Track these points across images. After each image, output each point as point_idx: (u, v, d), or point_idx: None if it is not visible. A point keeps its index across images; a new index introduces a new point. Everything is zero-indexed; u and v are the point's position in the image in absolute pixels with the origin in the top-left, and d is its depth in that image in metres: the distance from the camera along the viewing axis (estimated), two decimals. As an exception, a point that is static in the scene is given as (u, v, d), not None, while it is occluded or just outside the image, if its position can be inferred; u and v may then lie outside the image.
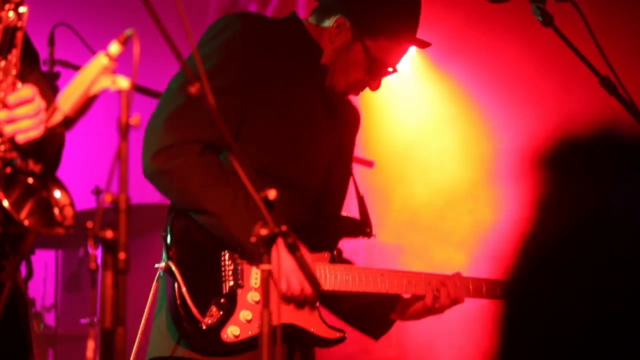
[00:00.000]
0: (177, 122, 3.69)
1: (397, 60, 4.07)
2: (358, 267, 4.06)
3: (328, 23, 4.01)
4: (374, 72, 4.02)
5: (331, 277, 3.93)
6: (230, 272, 3.78)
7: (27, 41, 3.06)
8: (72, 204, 2.84)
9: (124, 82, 2.65)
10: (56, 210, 2.82)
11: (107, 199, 2.59)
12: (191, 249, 3.81)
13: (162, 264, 3.77)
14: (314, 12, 4.10)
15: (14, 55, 2.85)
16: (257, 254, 2.76)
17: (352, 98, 4.25)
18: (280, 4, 7.31)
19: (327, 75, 4.01)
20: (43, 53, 6.07)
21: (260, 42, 3.87)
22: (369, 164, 6.59)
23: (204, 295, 3.75)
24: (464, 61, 6.83)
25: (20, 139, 2.86)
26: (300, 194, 3.92)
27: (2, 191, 2.76)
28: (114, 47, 2.67)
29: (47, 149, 3.03)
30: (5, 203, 2.75)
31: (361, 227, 4.12)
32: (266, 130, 3.86)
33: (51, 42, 5.92)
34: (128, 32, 2.65)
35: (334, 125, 4.09)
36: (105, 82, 2.68)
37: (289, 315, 3.82)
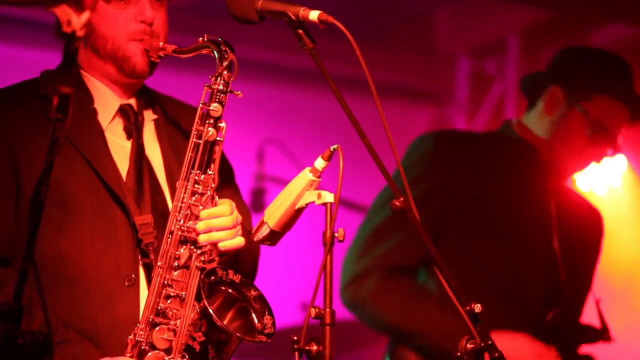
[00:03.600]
0: (366, 250, 3.75)
1: (620, 124, 3.98)
2: None
3: (540, 101, 3.99)
4: (597, 139, 3.94)
5: None
6: None
7: (222, 155, 3.15)
8: (270, 313, 2.86)
9: (329, 197, 2.67)
10: (254, 319, 2.85)
11: (312, 313, 2.59)
12: None
13: None
14: (528, 105, 4.09)
15: (213, 169, 2.93)
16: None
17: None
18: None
19: (546, 174, 3.96)
20: (252, 168, 6.28)
21: (456, 155, 3.89)
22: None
23: None
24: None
25: (223, 248, 2.92)
26: (521, 304, 3.85)
27: (206, 299, 2.81)
28: (320, 162, 2.70)
29: (245, 261, 3.08)
30: (211, 310, 2.80)
31: (600, 333, 4.02)
32: (476, 242, 3.83)
33: (260, 157, 6.11)
34: (333, 147, 2.68)
35: (561, 229, 4.00)
36: (311, 197, 2.71)
37: None
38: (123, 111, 3.08)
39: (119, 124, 3.08)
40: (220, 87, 2.93)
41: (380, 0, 6.50)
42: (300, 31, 2.77)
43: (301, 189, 2.72)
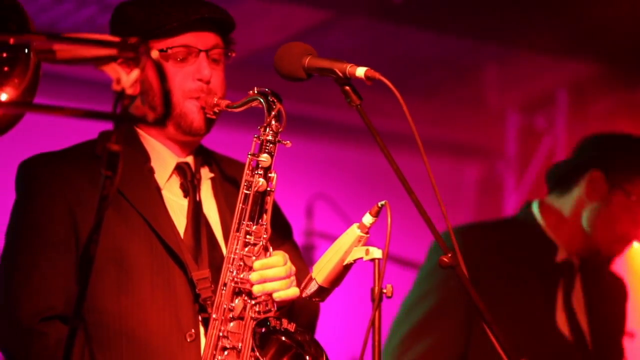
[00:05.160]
0: (403, 351, 3.80)
1: None
2: None
3: (577, 187, 3.97)
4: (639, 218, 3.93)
5: None
6: None
7: (279, 213, 3.14)
8: (327, 359, 2.84)
9: (377, 253, 2.67)
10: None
11: (362, 369, 2.57)
12: None
13: None
14: (553, 188, 4.10)
15: (265, 220, 2.93)
16: None
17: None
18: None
19: (558, 277, 3.98)
20: (302, 224, 6.29)
21: (483, 252, 3.94)
22: (630, 335, 6.30)
23: None
24: None
25: (278, 298, 2.91)
26: None
27: (258, 349, 2.79)
28: (368, 219, 2.70)
29: (301, 315, 3.06)
30: None
31: None
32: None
33: (308, 213, 6.13)
34: (381, 203, 2.68)
35: (589, 305, 4.00)
36: (359, 253, 2.71)
37: None
38: (180, 169, 3.10)
39: (175, 182, 3.10)
40: (269, 137, 2.94)
41: (429, 54, 6.52)
42: (347, 88, 2.78)
43: (349, 245, 2.71)
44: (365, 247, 2.69)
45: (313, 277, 2.77)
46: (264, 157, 2.93)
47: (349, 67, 2.75)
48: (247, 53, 5.53)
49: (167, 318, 2.96)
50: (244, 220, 2.93)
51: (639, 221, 3.97)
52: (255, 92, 2.95)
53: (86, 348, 2.83)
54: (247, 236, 2.93)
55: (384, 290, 2.62)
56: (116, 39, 2.28)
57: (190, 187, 3.09)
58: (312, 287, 2.77)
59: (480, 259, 3.89)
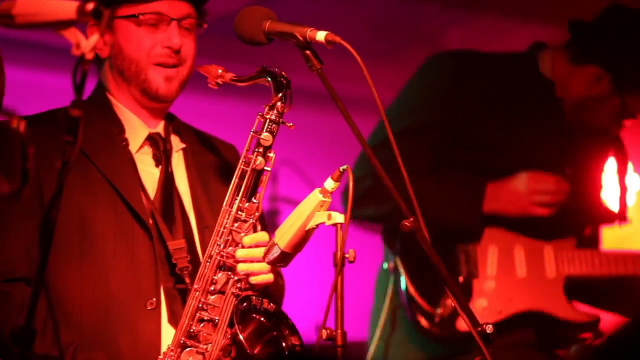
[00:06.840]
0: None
1: None
2: (603, 252, 4.03)
3: (584, 71, 4.00)
4: (620, 125, 4.05)
5: (574, 262, 3.91)
6: (464, 263, 3.81)
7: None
8: (301, 345, 2.85)
9: (339, 218, 2.67)
10: (285, 350, 2.84)
11: (324, 334, 2.58)
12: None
13: (390, 263, 3.85)
14: (569, 46, 4.13)
15: (258, 198, 2.94)
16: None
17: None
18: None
19: (561, 109, 4.06)
20: (266, 190, 6.27)
21: (474, 82, 3.93)
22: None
23: (436, 288, 3.78)
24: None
25: (253, 281, 2.92)
26: None
27: (238, 325, 2.80)
28: (329, 183, 2.70)
29: (272, 297, 3.07)
30: (241, 337, 2.78)
31: (615, 214, 4.10)
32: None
33: (273, 179, 6.13)
34: (343, 168, 2.68)
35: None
36: (321, 218, 2.71)
37: (532, 300, 3.78)
38: (152, 140, 3.11)
39: (147, 152, 3.11)
40: (273, 117, 2.94)
41: (391, 19, 6.51)
42: (307, 52, 2.77)
43: (311, 210, 2.71)
44: (328, 212, 2.69)
45: (275, 242, 2.76)
46: (266, 136, 2.93)
47: (309, 31, 2.75)
48: (209, 18, 5.50)
49: (129, 286, 2.96)
50: (237, 195, 2.94)
51: (619, 126, 4.09)
52: (264, 69, 2.94)
53: (49, 313, 2.83)
54: (239, 212, 2.94)
55: (346, 255, 2.62)
56: (75, 3, 2.25)
57: (162, 157, 3.10)
58: (275, 253, 2.77)
59: (472, 90, 3.93)
